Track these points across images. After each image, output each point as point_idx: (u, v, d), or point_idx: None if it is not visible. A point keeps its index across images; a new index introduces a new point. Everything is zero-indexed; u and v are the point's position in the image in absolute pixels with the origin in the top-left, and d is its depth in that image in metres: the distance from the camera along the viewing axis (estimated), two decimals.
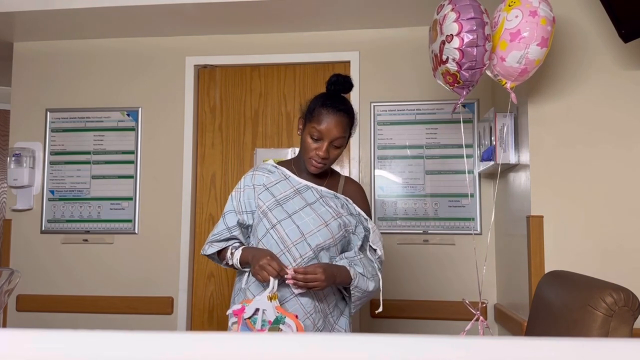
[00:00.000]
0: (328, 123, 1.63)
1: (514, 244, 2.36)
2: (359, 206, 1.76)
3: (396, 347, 0.39)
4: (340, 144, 1.67)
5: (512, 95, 1.87)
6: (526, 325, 1.79)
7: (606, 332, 1.32)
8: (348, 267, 1.63)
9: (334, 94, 1.70)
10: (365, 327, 2.79)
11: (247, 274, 1.72)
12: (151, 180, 3.00)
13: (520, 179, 2.24)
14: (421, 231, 2.82)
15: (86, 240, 3.00)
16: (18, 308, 2.97)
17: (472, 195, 2.80)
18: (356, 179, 2.86)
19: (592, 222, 2.04)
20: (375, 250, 1.73)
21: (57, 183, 3.06)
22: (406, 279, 2.80)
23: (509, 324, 2.38)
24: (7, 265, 2.98)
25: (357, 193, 1.80)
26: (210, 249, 1.75)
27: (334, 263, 1.68)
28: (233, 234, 1.73)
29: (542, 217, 2.06)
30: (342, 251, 1.72)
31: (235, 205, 1.75)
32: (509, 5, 1.78)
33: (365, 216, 1.76)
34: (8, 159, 3.03)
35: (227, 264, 1.73)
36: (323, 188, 1.74)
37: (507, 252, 2.52)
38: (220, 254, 1.75)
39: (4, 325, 2.81)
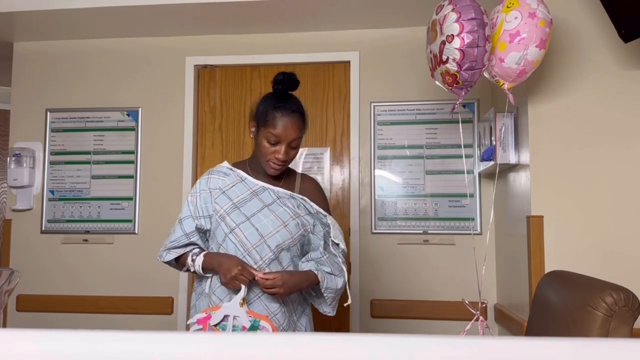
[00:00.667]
0: (284, 126, 1.61)
1: (514, 244, 2.36)
2: (316, 203, 1.74)
3: (396, 347, 0.39)
4: (297, 145, 1.67)
5: (510, 96, 1.87)
6: (526, 325, 1.79)
7: (606, 332, 1.32)
8: (315, 271, 1.63)
9: (281, 94, 1.68)
10: (365, 327, 2.79)
11: (210, 279, 1.69)
12: (151, 180, 3.00)
13: (520, 179, 2.24)
14: (421, 231, 2.82)
15: (86, 240, 3.00)
16: (18, 308, 2.97)
17: (471, 196, 2.80)
18: (356, 179, 2.87)
19: (592, 222, 2.04)
20: (337, 244, 1.72)
21: (57, 183, 3.06)
22: (406, 279, 2.80)
23: (509, 324, 2.38)
24: (7, 265, 2.98)
25: (313, 190, 1.78)
26: (169, 255, 1.71)
27: (300, 264, 1.68)
28: (191, 239, 1.70)
29: (542, 217, 2.06)
30: (302, 249, 1.72)
31: (192, 211, 1.72)
32: (507, 7, 1.78)
33: (324, 212, 1.74)
34: (8, 159, 3.03)
35: (187, 270, 1.71)
36: (279, 189, 1.72)
37: (507, 252, 2.52)
38: (179, 260, 1.73)
39: (4, 325, 2.81)
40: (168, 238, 1.73)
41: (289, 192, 1.72)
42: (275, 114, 1.61)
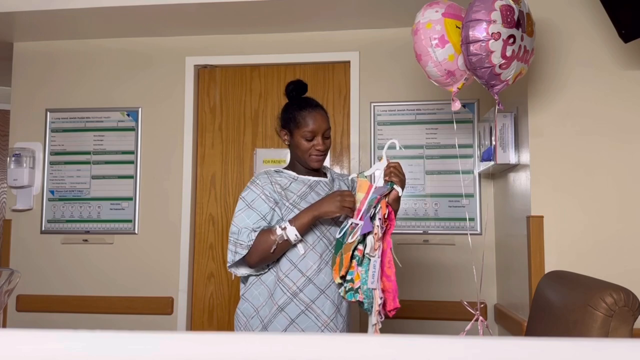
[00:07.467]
0: (315, 121, 1.76)
1: (514, 244, 2.36)
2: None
3: (395, 347, 0.39)
4: (328, 135, 1.81)
5: (454, 103, 1.85)
6: (526, 325, 1.79)
7: (606, 332, 1.32)
8: None
9: (298, 98, 1.83)
10: (365, 327, 2.79)
11: (279, 263, 1.70)
12: (151, 180, 3.00)
13: (520, 179, 2.24)
14: (421, 231, 2.82)
15: (86, 240, 3.00)
16: (18, 308, 2.97)
17: (471, 196, 2.80)
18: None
19: (592, 222, 2.04)
20: None
21: (57, 183, 3.06)
22: (406, 279, 2.80)
23: (509, 324, 2.38)
24: (7, 265, 2.98)
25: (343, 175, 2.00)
26: (243, 250, 1.65)
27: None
28: (268, 221, 1.70)
29: (542, 217, 2.06)
30: None
31: (260, 193, 1.72)
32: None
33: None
34: (8, 159, 3.02)
35: (273, 250, 1.64)
36: (326, 179, 1.87)
37: (507, 252, 2.52)
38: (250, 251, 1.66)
39: (4, 325, 2.81)
40: (237, 240, 1.67)
41: (333, 178, 1.89)
42: (304, 114, 1.77)
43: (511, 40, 1.66)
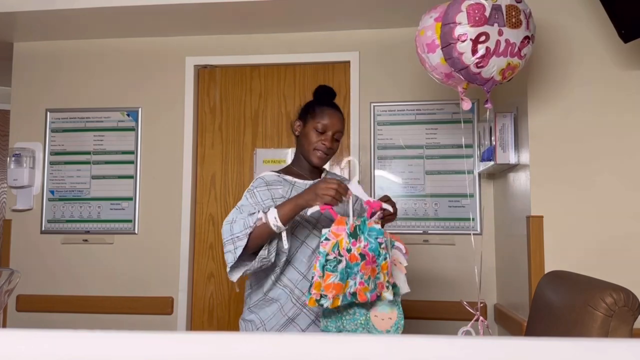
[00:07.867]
0: (331, 117, 1.79)
1: (514, 244, 2.36)
2: None
3: (395, 347, 0.39)
4: (339, 137, 1.82)
5: (463, 102, 1.84)
6: (526, 325, 1.79)
7: (606, 332, 1.32)
8: None
9: (324, 98, 1.86)
10: None
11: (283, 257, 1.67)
12: (151, 180, 3.00)
13: (520, 179, 2.24)
14: (421, 231, 2.82)
15: (86, 240, 3.00)
16: (18, 308, 2.97)
17: (471, 196, 2.80)
18: (356, 180, 2.87)
19: (592, 222, 2.04)
20: None
21: (57, 183, 3.06)
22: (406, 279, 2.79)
23: (509, 324, 2.38)
24: (7, 265, 2.98)
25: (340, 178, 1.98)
26: (238, 249, 1.58)
27: None
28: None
29: (542, 217, 2.06)
30: None
31: (253, 203, 1.70)
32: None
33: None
34: (8, 159, 3.03)
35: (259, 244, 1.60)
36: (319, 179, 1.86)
37: (507, 252, 2.52)
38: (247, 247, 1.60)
39: (4, 325, 2.81)
40: (228, 235, 1.62)
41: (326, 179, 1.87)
42: (324, 108, 1.81)
43: (482, 38, 1.65)
